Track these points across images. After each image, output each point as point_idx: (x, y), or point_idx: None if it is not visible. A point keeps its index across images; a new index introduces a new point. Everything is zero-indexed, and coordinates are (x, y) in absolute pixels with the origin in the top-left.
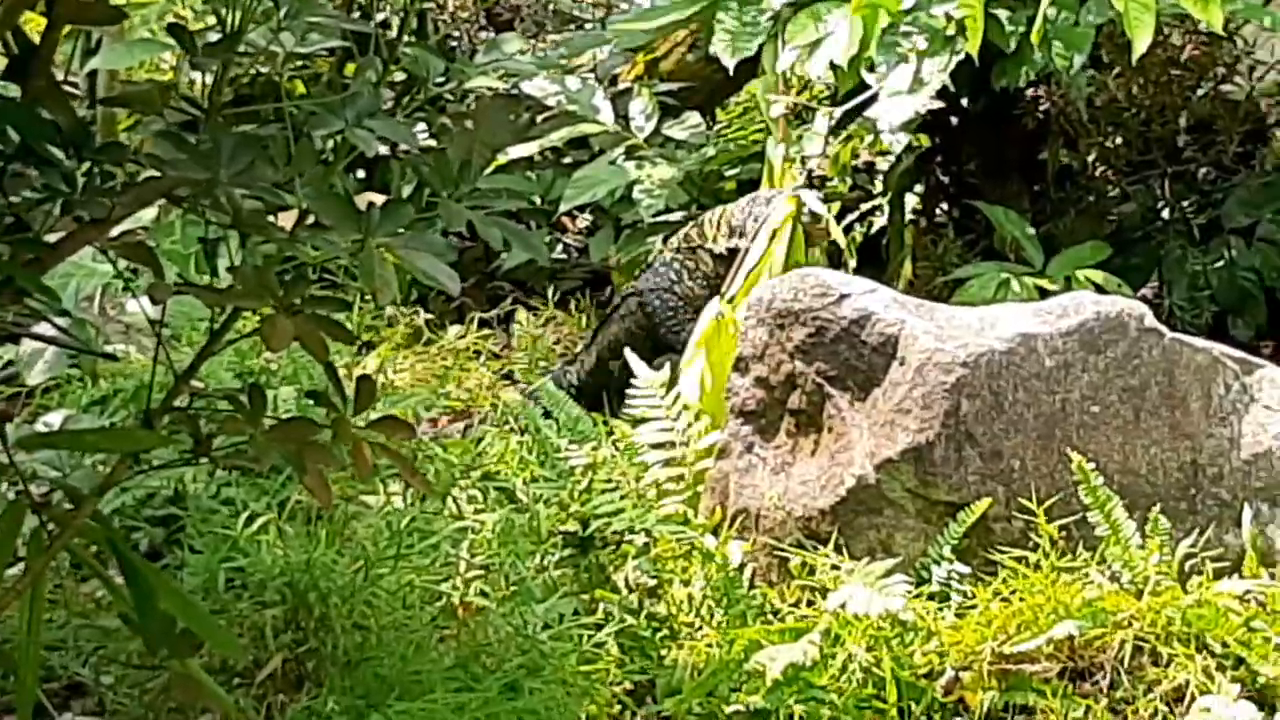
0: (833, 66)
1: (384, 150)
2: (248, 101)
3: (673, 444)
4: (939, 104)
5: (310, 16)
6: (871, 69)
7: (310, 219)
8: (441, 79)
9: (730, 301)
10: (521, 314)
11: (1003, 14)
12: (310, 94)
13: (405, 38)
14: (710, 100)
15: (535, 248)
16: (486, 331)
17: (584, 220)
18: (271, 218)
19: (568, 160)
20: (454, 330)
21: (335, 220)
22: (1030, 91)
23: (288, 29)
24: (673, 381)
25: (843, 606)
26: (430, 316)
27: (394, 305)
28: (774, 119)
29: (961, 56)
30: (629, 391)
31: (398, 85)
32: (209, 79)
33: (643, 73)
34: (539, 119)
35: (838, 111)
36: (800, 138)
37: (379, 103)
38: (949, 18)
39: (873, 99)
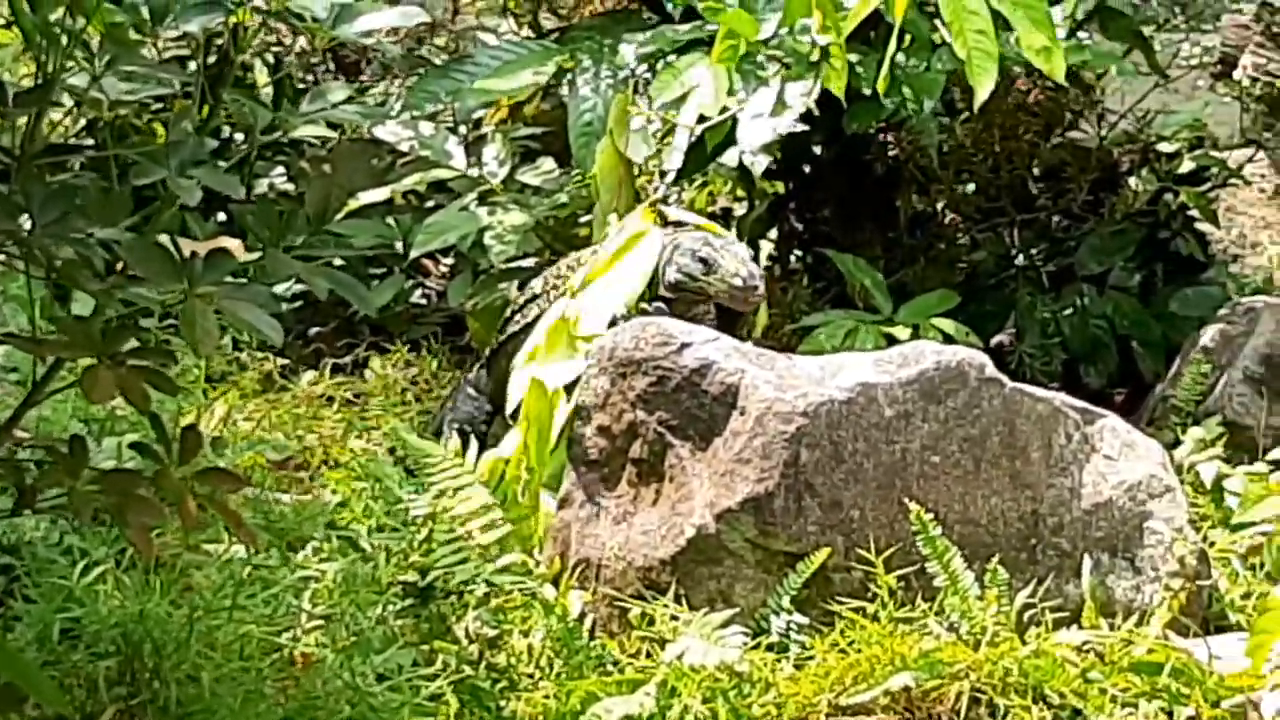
0: (701, 118)
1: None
2: (80, 149)
3: (490, 507)
4: (803, 126)
5: (127, 65)
6: (731, 93)
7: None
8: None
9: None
10: (375, 359)
11: (854, 57)
12: (142, 138)
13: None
14: (568, 147)
15: (361, 297)
16: (341, 378)
17: (446, 264)
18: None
19: (430, 204)
20: (308, 376)
21: (153, 272)
22: (880, 137)
23: (104, 78)
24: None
25: (679, 658)
26: (285, 362)
27: (246, 350)
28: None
29: (817, 88)
30: (424, 469)
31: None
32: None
33: (507, 116)
34: (402, 163)
35: (699, 129)
36: (659, 152)
37: (202, 151)
38: (814, 43)
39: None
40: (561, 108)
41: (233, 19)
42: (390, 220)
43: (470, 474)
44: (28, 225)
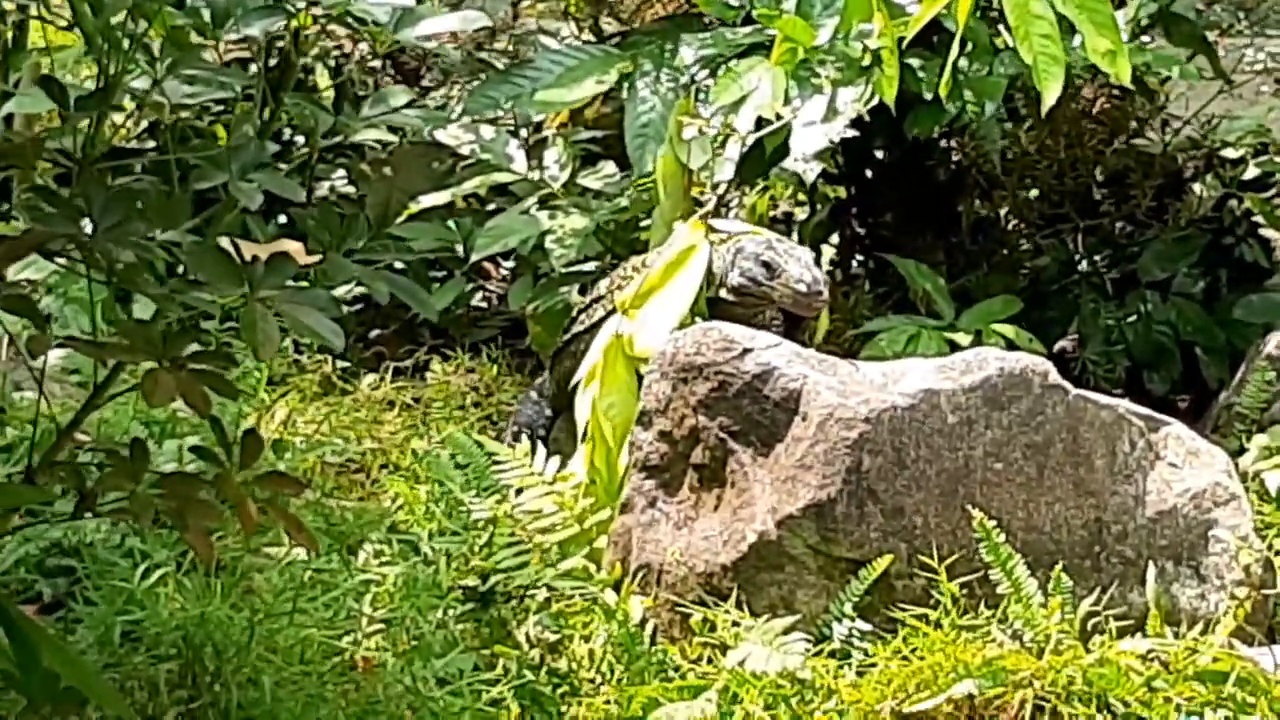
0: (759, 123)
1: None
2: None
3: (557, 509)
4: (853, 133)
5: (188, 69)
6: (787, 102)
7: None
8: (328, 131)
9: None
10: (436, 363)
11: (915, 62)
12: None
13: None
14: (624, 149)
15: (421, 301)
16: (402, 381)
17: (507, 268)
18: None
19: (491, 208)
20: (368, 379)
21: (214, 276)
22: (943, 143)
23: (166, 81)
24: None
25: (741, 664)
26: (346, 365)
27: (306, 353)
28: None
29: (873, 96)
30: (495, 465)
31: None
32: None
33: (567, 119)
34: (462, 167)
35: (750, 138)
36: (709, 165)
37: (263, 155)
38: (865, 48)
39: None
40: (622, 111)
41: (294, 23)
42: (450, 223)
43: (537, 477)
44: (89, 228)
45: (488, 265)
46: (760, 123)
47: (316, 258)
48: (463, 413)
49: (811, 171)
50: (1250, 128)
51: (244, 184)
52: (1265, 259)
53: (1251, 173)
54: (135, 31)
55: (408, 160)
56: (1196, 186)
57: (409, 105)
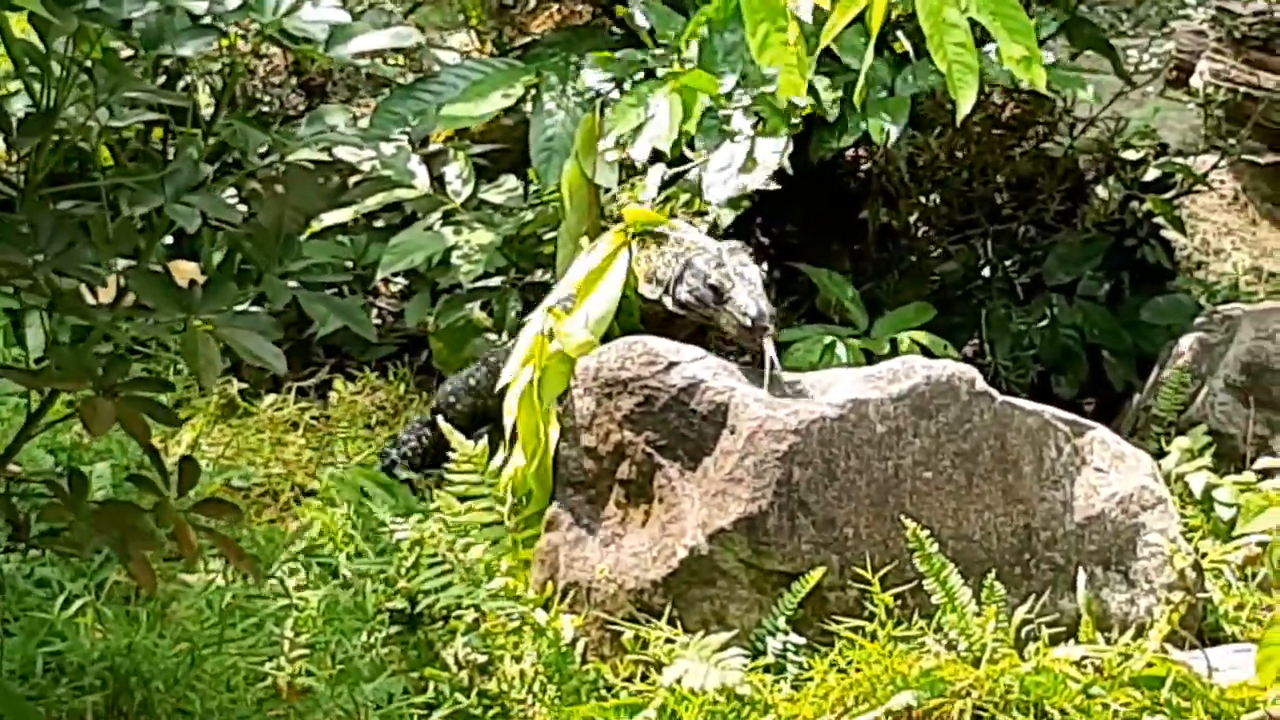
0: (655, 153)
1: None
2: (60, 178)
3: (500, 522)
4: (775, 186)
5: (129, 91)
6: (691, 146)
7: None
8: (262, 152)
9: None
10: (339, 382)
11: (820, 81)
12: (119, 165)
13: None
14: (523, 162)
15: (362, 323)
16: (304, 402)
17: (397, 284)
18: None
19: (380, 224)
20: (269, 400)
21: (156, 300)
22: (850, 153)
23: (106, 104)
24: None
25: (678, 681)
26: (244, 386)
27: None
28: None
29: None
30: (447, 465)
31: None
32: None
33: (453, 133)
34: (351, 183)
35: (670, 171)
36: (633, 185)
37: (198, 177)
38: (793, 104)
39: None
40: (510, 122)
41: (225, 42)
42: (345, 240)
43: (490, 483)
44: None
45: (378, 282)
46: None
47: (203, 278)
48: (369, 433)
49: (725, 218)
50: (1139, 129)
51: (180, 206)
52: (1167, 260)
53: (1152, 174)
54: (77, 56)
55: (299, 178)
56: (1100, 189)
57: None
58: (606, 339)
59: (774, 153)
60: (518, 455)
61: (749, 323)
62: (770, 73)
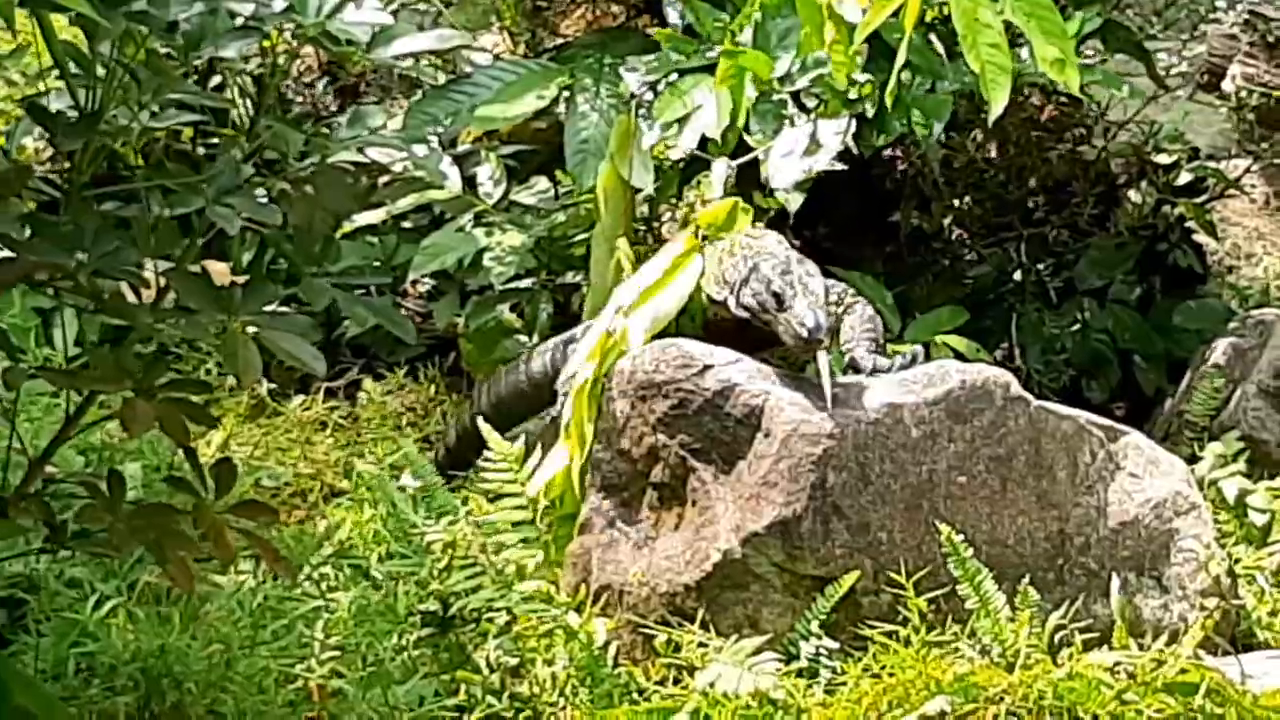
0: (703, 142)
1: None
2: (98, 180)
3: (532, 522)
4: (841, 166)
5: (173, 93)
6: (749, 132)
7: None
8: (302, 153)
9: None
10: (368, 383)
11: (861, 78)
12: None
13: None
14: (551, 163)
15: (401, 326)
16: (333, 402)
17: (424, 284)
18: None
19: (408, 225)
20: (298, 400)
21: (198, 302)
22: (887, 153)
23: (149, 106)
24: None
25: (711, 685)
26: (273, 386)
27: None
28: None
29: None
30: (481, 464)
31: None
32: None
33: (482, 134)
34: (382, 184)
35: (735, 164)
36: (699, 184)
37: (238, 179)
38: (853, 81)
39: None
40: (540, 124)
41: (266, 43)
42: (373, 240)
43: (520, 484)
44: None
45: (405, 284)
46: (739, 149)
47: (244, 278)
48: (398, 434)
49: (794, 201)
50: (1170, 133)
51: (221, 209)
52: (1199, 265)
53: (1185, 179)
54: (118, 57)
55: (330, 179)
56: (1133, 193)
57: (384, 126)
58: None
59: (836, 134)
60: (555, 457)
61: (805, 334)
62: (823, 55)
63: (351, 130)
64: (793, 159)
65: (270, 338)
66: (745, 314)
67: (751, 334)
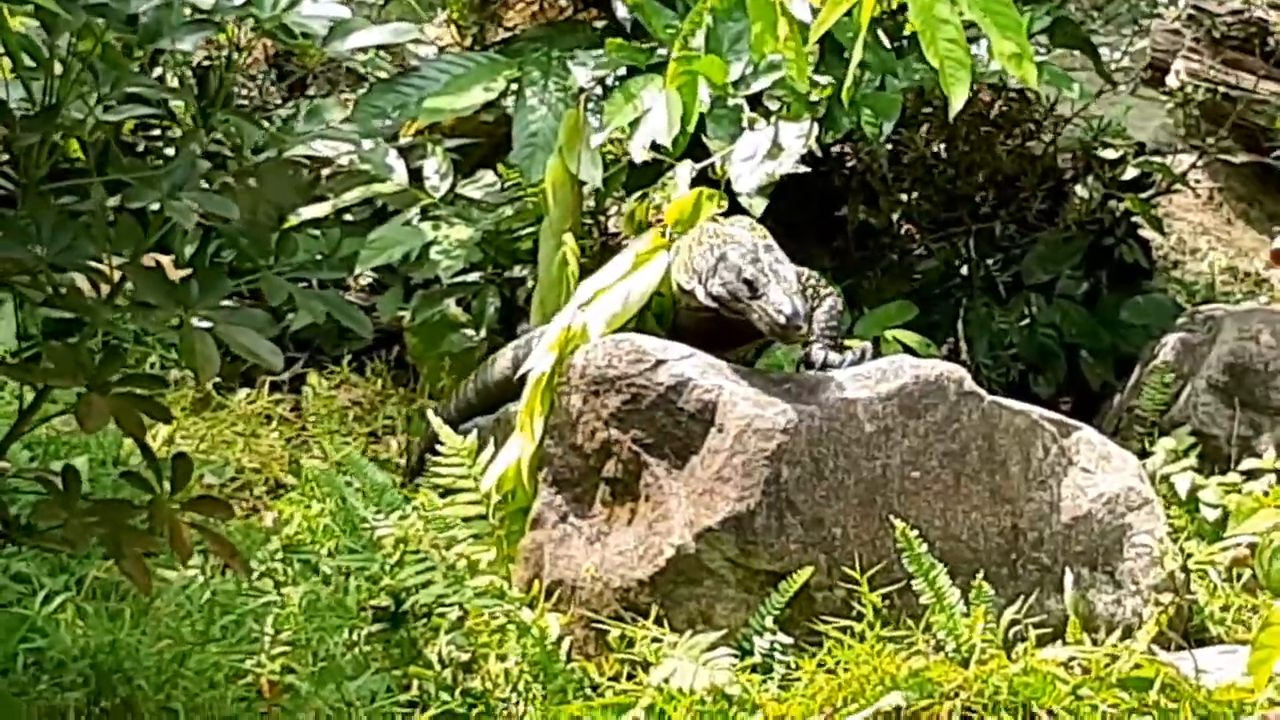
0: (654, 146)
1: None
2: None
3: (484, 517)
4: (804, 168)
5: (129, 87)
6: (703, 133)
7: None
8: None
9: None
10: (313, 377)
11: (822, 79)
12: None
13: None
14: (493, 155)
15: (358, 321)
16: (278, 395)
17: (366, 278)
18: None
19: (351, 219)
20: (243, 394)
21: (155, 296)
22: (836, 149)
23: (107, 99)
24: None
25: (667, 681)
26: (218, 379)
27: (174, 367)
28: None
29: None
30: (432, 458)
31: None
32: None
33: (424, 127)
34: (326, 177)
35: (696, 167)
36: (664, 185)
37: (195, 174)
38: (813, 83)
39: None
40: (487, 118)
41: (222, 36)
42: (316, 234)
43: (474, 479)
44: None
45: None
46: (697, 151)
47: (187, 271)
48: (345, 427)
49: (758, 206)
50: (1114, 128)
51: (177, 203)
52: (1145, 260)
53: (1131, 173)
54: (74, 51)
55: (272, 173)
56: (1080, 188)
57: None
58: None
59: (798, 136)
60: (508, 450)
61: (783, 320)
62: (776, 58)
63: (309, 124)
64: (754, 163)
65: (227, 332)
66: (714, 304)
67: (725, 327)
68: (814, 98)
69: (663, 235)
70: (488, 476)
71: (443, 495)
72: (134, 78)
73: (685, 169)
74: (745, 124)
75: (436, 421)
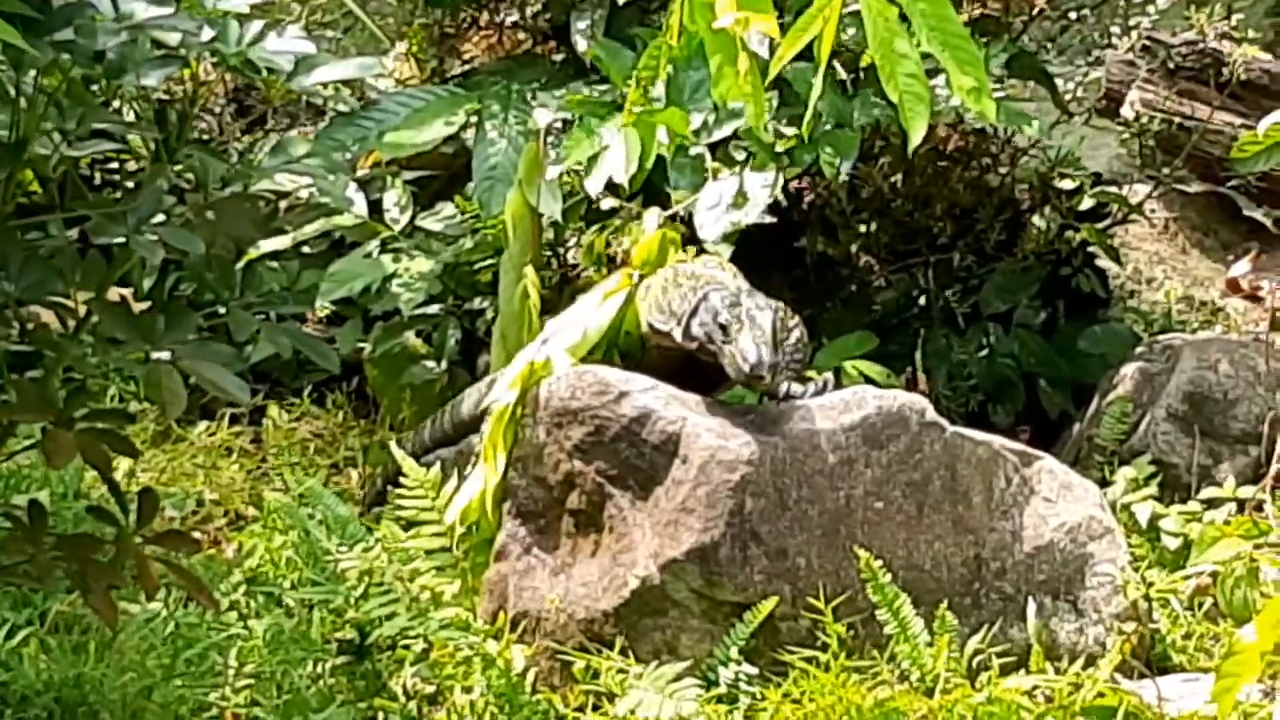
0: (610, 185)
1: None
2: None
3: (449, 549)
4: (770, 219)
5: (96, 122)
6: (667, 182)
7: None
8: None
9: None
10: (273, 409)
11: (788, 131)
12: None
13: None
14: (450, 187)
15: (325, 355)
16: (238, 428)
17: (324, 310)
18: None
19: (308, 250)
20: (202, 426)
21: (121, 331)
22: (794, 184)
23: (74, 134)
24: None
25: (633, 712)
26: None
27: (131, 400)
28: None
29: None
30: (396, 490)
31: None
32: None
33: (380, 159)
34: (285, 210)
35: (664, 214)
36: (631, 230)
37: (159, 208)
38: (778, 134)
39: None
40: (449, 150)
41: (187, 71)
42: (274, 266)
43: (438, 511)
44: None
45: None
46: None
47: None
48: (306, 459)
49: (724, 253)
50: (1069, 160)
51: (143, 239)
52: (1102, 289)
53: (1088, 203)
54: (40, 86)
55: (230, 206)
56: (1037, 218)
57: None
58: None
59: (764, 186)
60: (472, 482)
61: (747, 369)
62: (738, 106)
63: (274, 159)
64: (719, 211)
65: (193, 367)
66: (693, 345)
67: (697, 369)
68: (779, 149)
69: (630, 277)
70: (452, 508)
71: (406, 528)
72: (101, 113)
73: (653, 216)
74: (709, 173)
75: (399, 453)
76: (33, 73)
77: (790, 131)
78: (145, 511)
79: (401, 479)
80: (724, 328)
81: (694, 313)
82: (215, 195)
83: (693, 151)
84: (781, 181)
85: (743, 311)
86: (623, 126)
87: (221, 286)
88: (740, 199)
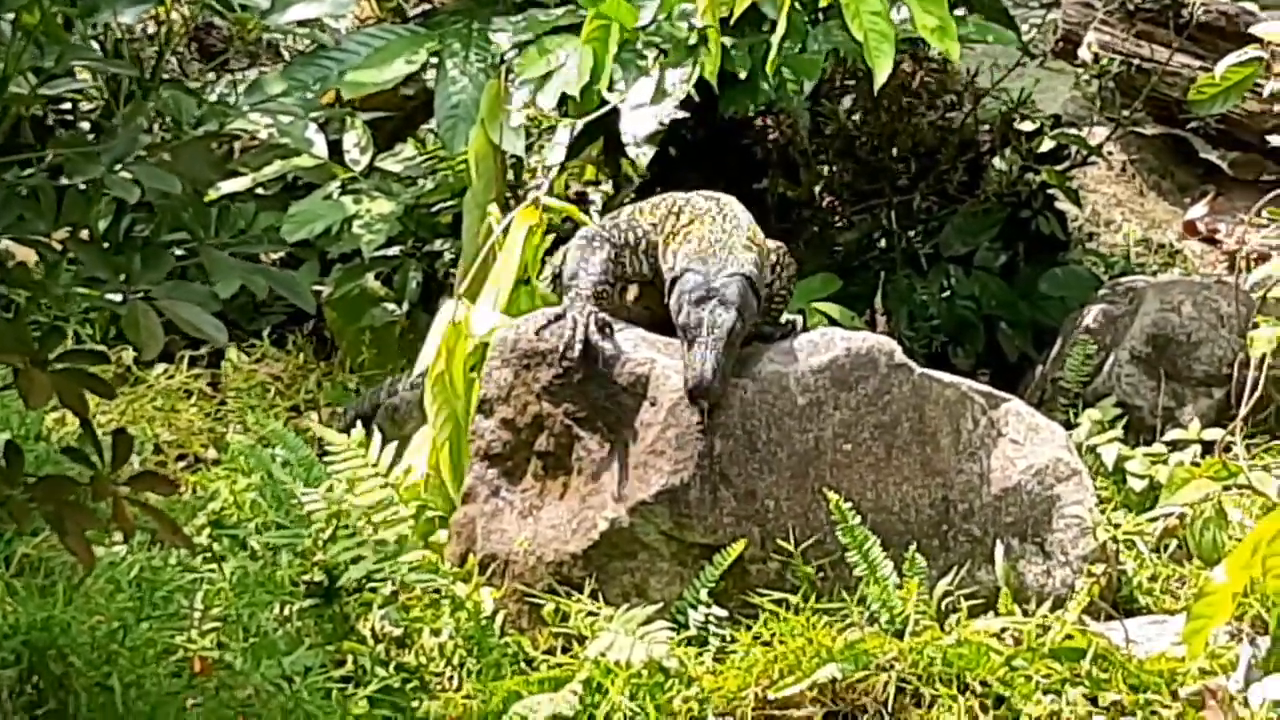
0: (564, 98)
1: None
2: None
3: (391, 502)
4: (683, 114)
5: (75, 60)
6: (611, 88)
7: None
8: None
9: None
10: (232, 351)
11: (728, 41)
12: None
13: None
14: (405, 128)
15: (303, 297)
16: (196, 370)
17: (278, 252)
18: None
19: (262, 192)
20: (160, 368)
21: (100, 270)
22: (758, 122)
23: (52, 73)
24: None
25: (603, 654)
26: (135, 354)
27: (89, 341)
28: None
29: (695, 73)
30: (327, 457)
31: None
32: None
33: (334, 100)
34: (240, 151)
35: (580, 123)
36: (541, 148)
37: (136, 147)
38: (690, 26)
39: (614, 111)
40: (407, 91)
41: (162, 9)
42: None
43: (372, 466)
44: None
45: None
46: (583, 109)
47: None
48: (265, 401)
49: (645, 156)
50: (1026, 101)
51: (119, 177)
52: (1061, 232)
53: (1047, 145)
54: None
55: (188, 148)
56: (997, 160)
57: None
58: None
59: (681, 81)
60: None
61: (689, 387)
62: (688, 7)
63: (251, 98)
64: (644, 111)
65: (170, 307)
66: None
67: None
68: (691, 41)
69: (534, 210)
70: (416, 470)
71: (349, 489)
72: (80, 51)
73: (564, 132)
74: (645, 69)
75: (318, 426)
76: (10, 15)
77: (701, 23)
78: (120, 453)
79: (326, 448)
80: (684, 329)
81: (673, 285)
82: (188, 134)
83: (635, 47)
84: (696, 74)
85: (706, 311)
86: (581, 44)
87: (196, 226)
88: (658, 95)
